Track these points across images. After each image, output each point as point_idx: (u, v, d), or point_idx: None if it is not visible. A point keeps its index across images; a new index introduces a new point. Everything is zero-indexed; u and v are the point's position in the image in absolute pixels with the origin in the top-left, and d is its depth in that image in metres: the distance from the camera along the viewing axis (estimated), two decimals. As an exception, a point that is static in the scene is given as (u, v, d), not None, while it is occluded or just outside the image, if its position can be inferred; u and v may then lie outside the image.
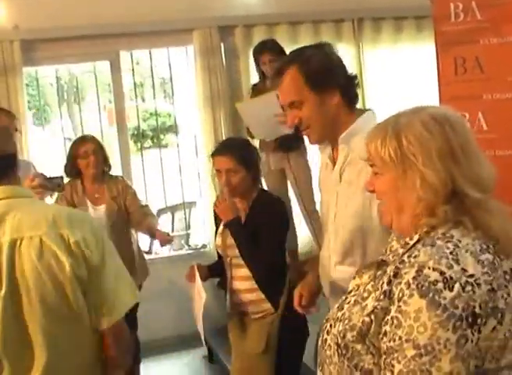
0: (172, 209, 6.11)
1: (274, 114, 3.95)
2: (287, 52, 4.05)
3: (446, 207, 1.28)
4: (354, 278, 1.45)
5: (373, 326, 1.26)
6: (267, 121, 4.13)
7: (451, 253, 1.23)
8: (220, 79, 4.86)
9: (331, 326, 1.37)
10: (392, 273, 1.26)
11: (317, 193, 4.60)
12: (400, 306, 1.20)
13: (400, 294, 1.21)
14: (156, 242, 3.92)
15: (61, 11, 4.52)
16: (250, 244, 2.79)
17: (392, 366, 1.20)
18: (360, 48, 5.20)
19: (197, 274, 2.91)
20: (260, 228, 2.78)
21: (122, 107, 4.99)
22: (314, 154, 4.28)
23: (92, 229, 1.66)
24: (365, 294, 1.32)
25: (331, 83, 1.97)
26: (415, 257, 1.25)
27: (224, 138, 4.57)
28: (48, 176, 2.88)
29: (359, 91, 2.08)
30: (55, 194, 3.56)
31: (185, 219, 5.63)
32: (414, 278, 1.20)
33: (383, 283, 1.27)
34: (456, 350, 1.15)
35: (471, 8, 3.11)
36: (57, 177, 2.95)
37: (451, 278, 1.19)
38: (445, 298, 1.17)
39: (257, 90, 4.62)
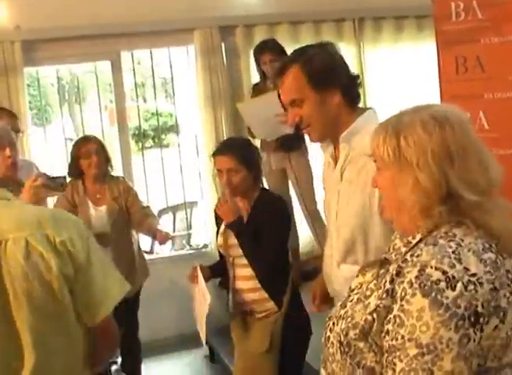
0: (174, 209, 6.11)
1: (275, 114, 3.95)
2: (288, 52, 4.09)
3: (441, 209, 1.29)
4: (357, 276, 1.45)
5: (375, 324, 1.26)
6: (268, 121, 4.14)
7: (453, 252, 1.23)
8: (221, 79, 4.86)
9: (334, 324, 1.38)
10: (394, 272, 1.26)
11: (318, 192, 4.62)
12: (402, 305, 1.21)
13: (403, 293, 1.21)
14: (157, 242, 3.92)
15: (62, 11, 4.52)
16: (253, 244, 2.79)
17: (394, 364, 1.20)
18: (361, 47, 5.20)
19: (200, 275, 2.92)
20: (262, 227, 2.78)
21: (123, 107, 5.00)
22: (316, 153, 4.29)
23: (77, 228, 1.66)
24: (368, 293, 1.33)
25: (332, 82, 1.98)
26: (418, 256, 1.25)
27: (225, 138, 4.57)
28: (51, 176, 2.88)
29: (360, 91, 2.08)
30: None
31: (186, 219, 5.63)
32: (416, 277, 1.21)
33: (386, 281, 1.28)
34: (459, 349, 1.16)
35: (472, 7, 3.10)
36: (60, 177, 2.95)
37: (453, 277, 1.19)
38: (447, 298, 1.17)
39: (257, 90, 4.62)
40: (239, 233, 2.82)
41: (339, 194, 2.05)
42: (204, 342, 3.06)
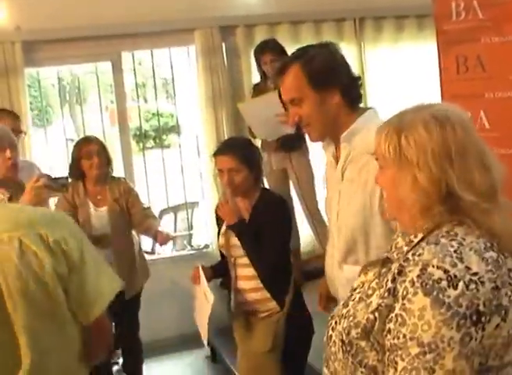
0: (175, 210, 6.12)
1: (275, 114, 3.95)
2: (288, 52, 4.09)
3: (441, 208, 1.29)
4: (359, 275, 1.45)
5: (377, 323, 1.26)
6: (268, 121, 4.14)
7: (455, 251, 1.23)
8: (222, 79, 4.86)
9: (336, 322, 1.38)
10: (396, 271, 1.27)
11: (319, 192, 4.62)
12: (404, 304, 1.21)
13: (405, 292, 1.22)
14: (158, 243, 3.92)
15: (62, 12, 4.53)
16: (254, 244, 2.79)
17: (396, 363, 1.20)
18: (362, 47, 5.20)
19: (203, 276, 2.92)
20: (263, 227, 2.78)
21: (124, 107, 5.00)
22: (316, 153, 4.29)
23: (70, 228, 1.67)
24: (370, 292, 1.33)
25: (333, 82, 1.98)
26: (419, 255, 1.25)
27: (226, 138, 4.57)
28: (53, 177, 2.88)
29: (361, 91, 2.08)
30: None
31: (187, 219, 5.63)
32: (418, 276, 1.21)
33: (387, 280, 1.28)
34: (460, 348, 1.16)
35: (473, 6, 3.10)
36: (62, 178, 2.95)
37: (455, 276, 1.19)
38: (449, 297, 1.17)
39: (258, 90, 4.62)
40: (240, 234, 2.82)
41: (340, 194, 2.05)
42: (205, 343, 3.05)
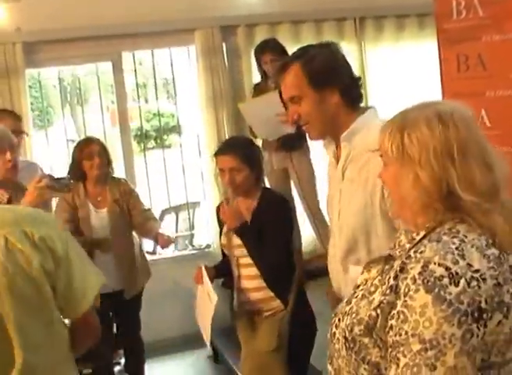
0: (176, 210, 6.12)
1: (276, 113, 3.95)
2: (289, 52, 4.09)
3: (442, 207, 1.29)
4: (362, 273, 1.46)
5: (379, 320, 1.27)
6: (269, 120, 4.14)
7: (457, 248, 1.23)
8: (222, 79, 4.86)
9: (339, 320, 1.38)
10: (398, 268, 1.27)
11: (320, 191, 4.62)
12: (405, 301, 1.21)
13: (406, 289, 1.22)
14: (159, 246, 3.92)
15: (62, 12, 4.53)
16: (257, 244, 2.79)
17: (398, 359, 1.21)
18: (363, 46, 5.20)
19: (206, 276, 2.92)
20: (266, 226, 2.78)
21: (125, 108, 5.00)
22: (318, 153, 4.29)
23: (54, 225, 1.70)
24: (372, 289, 1.34)
25: (333, 82, 1.99)
26: (421, 252, 1.25)
27: (227, 138, 4.57)
28: (56, 177, 2.87)
29: (362, 91, 2.09)
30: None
31: (189, 219, 5.63)
32: (419, 273, 1.21)
33: (390, 277, 1.28)
34: (461, 345, 1.16)
35: (473, 5, 3.11)
36: (64, 178, 2.95)
37: (456, 273, 1.19)
38: (450, 294, 1.17)
39: (259, 89, 4.62)
40: (243, 236, 2.82)
41: (341, 193, 2.05)
42: (208, 343, 3.05)
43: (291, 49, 3.76)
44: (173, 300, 4.76)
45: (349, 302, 1.39)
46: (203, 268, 2.96)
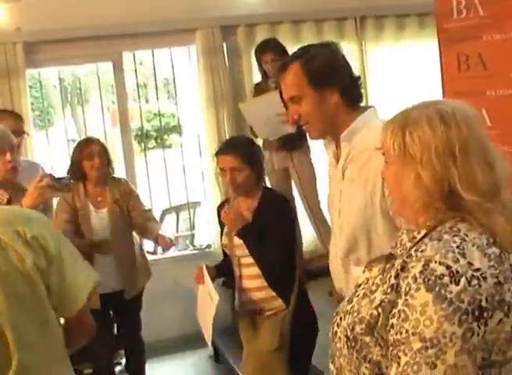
0: (177, 210, 6.12)
1: (276, 113, 3.95)
2: (289, 51, 4.09)
3: (443, 206, 1.29)
4: (364, 271, 1.46)
5: (381, 318, 1.27)
6: (269, 120, 4.14)
7: (458, 247, 1.23)
8: (223, 79, 4.86)
9: (341, 318, 1.38)
10: (399, 267, 1.27)
11: (321, 191, 4.62)
12: (406, 300, 1.21)
13: (407, 288, 1.22)
14: (160, 248, 3.91)
15: (62, 12, 4.53)
16: (258, 244, 2.79)
17: (399, 357, 1.21)
18: (363, 46, 5.20)
19: (207, 276, 2.91)
20: (267, 226, 2.78)
21: (126, 108, 5.00)
22: (318, 152, 4.29)
23: (46, 225, 1.71)
24: (374, 288, 1.34)
25: (332, 82, 1.99)
26: (422, 251, 1.25)
27: (227, 138, 4.57)
28: (57, 177, 2.88)
29: (362, 91, 2.09)
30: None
31: (189, 219, 5.63)
32: (420, 272, 1.21)
33: (391, 276, 1.28)
34: (462, 343, 1.16)
35: (474, 4, 3.11)
36: (65, 178, 2.95)
37: (457, 272, 1.19)
38: (451, 292, 1.17)
39: (259, 89, 4.62)
40: (245, 238, 2.82)
41: (342, 193, 2.05)
42: (209, 343, 3.05)
43: (291, 49, 3.75)
44: (174, 300, 4.76)
45: (350, 301, 1.39)
46: (204, 268, 2.96)
